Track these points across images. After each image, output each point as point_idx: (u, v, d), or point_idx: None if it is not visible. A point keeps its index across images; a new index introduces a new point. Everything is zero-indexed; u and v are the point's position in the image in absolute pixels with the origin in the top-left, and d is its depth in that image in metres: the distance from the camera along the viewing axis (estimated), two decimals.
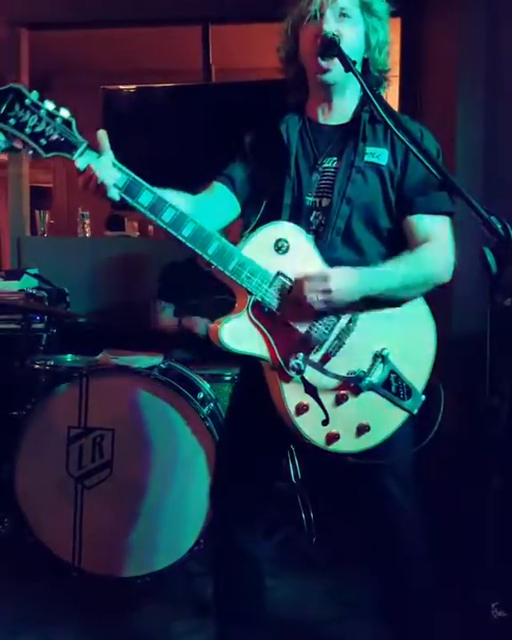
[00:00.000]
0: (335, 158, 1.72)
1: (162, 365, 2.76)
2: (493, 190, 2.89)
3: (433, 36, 3.74)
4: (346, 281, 1.56)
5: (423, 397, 1.71)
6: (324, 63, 1.63)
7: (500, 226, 1.32)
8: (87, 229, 4.39)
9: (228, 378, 2.96)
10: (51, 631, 2.34)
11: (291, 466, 3.04)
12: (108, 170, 1.43)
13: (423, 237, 1.68)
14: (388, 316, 1.68)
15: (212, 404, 2.77)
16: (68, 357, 3.05)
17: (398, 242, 1.72)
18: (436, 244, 1.68)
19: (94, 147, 1.44)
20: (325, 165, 1.73)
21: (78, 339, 3.29)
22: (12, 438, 2.61)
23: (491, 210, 1.34)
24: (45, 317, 3.39)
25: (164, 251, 3.46)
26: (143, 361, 2.73)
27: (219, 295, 2.51)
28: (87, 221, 4.34)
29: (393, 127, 1.47)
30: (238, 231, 1.79)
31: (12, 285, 3.58)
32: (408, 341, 1.69)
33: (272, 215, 1.67)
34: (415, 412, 1.70)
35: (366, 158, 1.69)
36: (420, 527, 1.79)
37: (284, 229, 1.60)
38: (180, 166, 4.33)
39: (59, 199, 6.77)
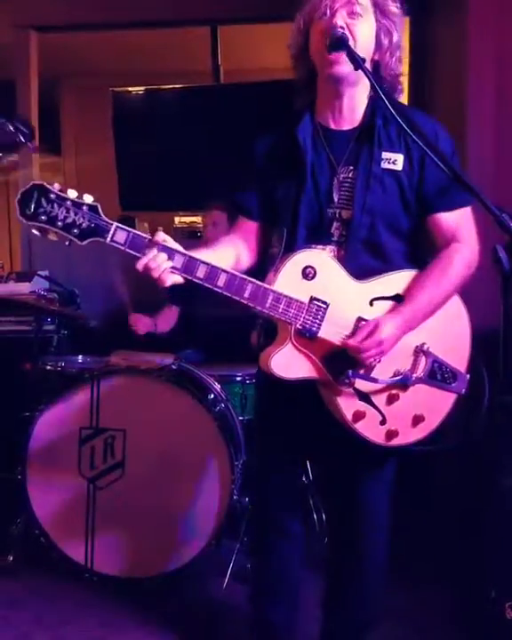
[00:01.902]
0: (351, 167, 1.71)
1: (172, 366, 2.76)
2: (504, 188, 2.87)
3: (442, 34, 3.73)
4: (394, 336, 1.62)
5: (468, 376, 1.75)
6: (331, 57, 1.61)
7: None
8: None
9: (238, 378, 2.96)
10: (63, 632, 2.34)
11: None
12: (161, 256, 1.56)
13: (450, 234, 1.73)
14: None
15: (222, 405, 2.77)
16: (79, 358, 3.06)
17: (417, 236, 1.75)
18: (464, 242, 1.72)
19: (125, 225, 1.55)
20: (343, 175, 1.72)
21: (89, 340, 3.30)
22: (24, 439, 2.62)
23: (503, 208, 1.34)
24: (56, 319, 3.41)
25: None
26: (153, 362, 2.74)
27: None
28: None
29: (406, 129, 1.45)
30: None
31: (23, 287, 3.60)
32: (444, 328, 1.73)
33: (292, 230, 1.71)
34: (463, 391, 1.75)
35: (383, 165, 1.68)
36: (387, 540, 1.88)
37: (307, 256, 1.63)
38: (188, 167, 4.34)
39: None
